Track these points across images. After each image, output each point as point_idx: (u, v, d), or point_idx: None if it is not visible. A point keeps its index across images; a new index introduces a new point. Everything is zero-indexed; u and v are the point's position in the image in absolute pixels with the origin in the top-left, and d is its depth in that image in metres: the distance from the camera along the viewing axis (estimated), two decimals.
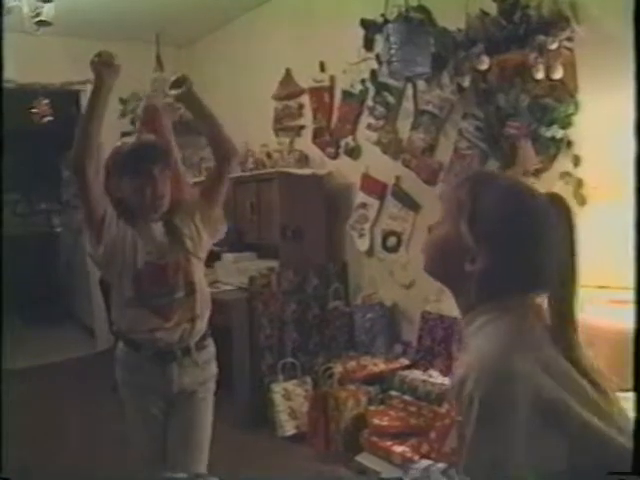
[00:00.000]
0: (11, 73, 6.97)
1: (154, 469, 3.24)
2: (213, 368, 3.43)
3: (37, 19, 5.35)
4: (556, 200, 1.70)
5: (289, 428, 5.25)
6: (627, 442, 1.52)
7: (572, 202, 3.94)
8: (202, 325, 3.28)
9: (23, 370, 7.13)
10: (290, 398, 5.31)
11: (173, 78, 3.21)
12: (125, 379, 3.28)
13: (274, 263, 5.80)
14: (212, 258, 6.51)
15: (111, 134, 6.43)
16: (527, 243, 1.63)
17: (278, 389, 5.34)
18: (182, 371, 3.22)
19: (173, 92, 3.19)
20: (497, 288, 1.65)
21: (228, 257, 6.27)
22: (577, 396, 1.52)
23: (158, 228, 3.15)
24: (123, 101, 7.34)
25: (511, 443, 1.47)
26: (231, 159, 3.26)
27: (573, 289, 1.67)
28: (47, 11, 5.35)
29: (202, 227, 3.24)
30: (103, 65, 2.87)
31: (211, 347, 3.41)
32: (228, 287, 6.02)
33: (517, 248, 1.63)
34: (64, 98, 6.76)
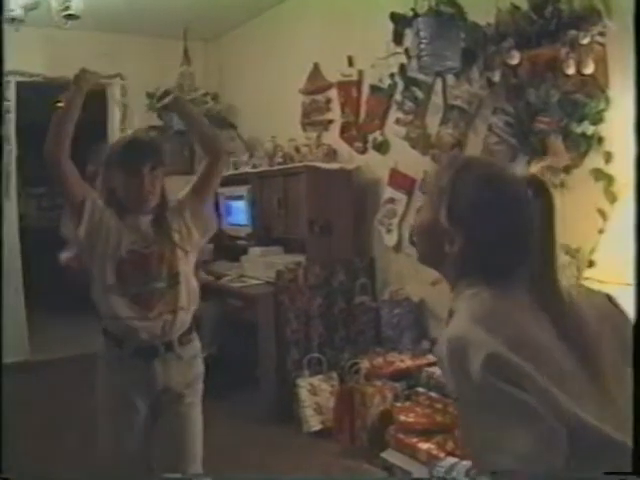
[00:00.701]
0: (39, 67, 7.04)
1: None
2: (200, 366, 3.41)
3: (66, 13, 5.37)
4: (534, 182, 1.78)
5: (315, 423, 5.23)
6: (614, 432, 1.51)
7: (603, 199, 3.92)
8: (186, 318, 3.28)
9: (43, 362, 7.17)
10: (316, 393, 5.30)
11: (159, 92, 3.43)
12: (106, 379, 3.26)
13: (301, 257, 5.79)
14: (238, 252, 6.53)
15: (138, 127, 6.49)
16: (501, 226, 1.71)
17: (304, 384, 5.33)
18: (166, 367, 3.20)
19: (162, 103, 3.39)
20: (474, 268, 1.74)
21: (255, 251, 6.28)
22: (558, 383, 1.54)
23: (146, 220, 3.20)
24: (150, 95, 7.35)
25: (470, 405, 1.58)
26: (219, 157, 3.36)
27: (553, 262, 1.74)
28: (76, 5, 5.37)
29: (192, 224, 3.29)
30: (85, 76, 3.27)
31: (196, 342, 3.39)
32: (254, 281, 6.02)
33: (491, 231, 1.71)
34: (90, 92, 6.75)
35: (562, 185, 4.08)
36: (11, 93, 7.12)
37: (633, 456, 1.50)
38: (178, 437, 3.25)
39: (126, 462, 3.19)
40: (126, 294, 3.12)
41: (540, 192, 1.74)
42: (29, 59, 7.02)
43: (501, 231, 1.71)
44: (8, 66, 6.83)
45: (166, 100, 3.35)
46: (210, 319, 6.27)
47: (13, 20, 5.54)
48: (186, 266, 3.30)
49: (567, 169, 4.14)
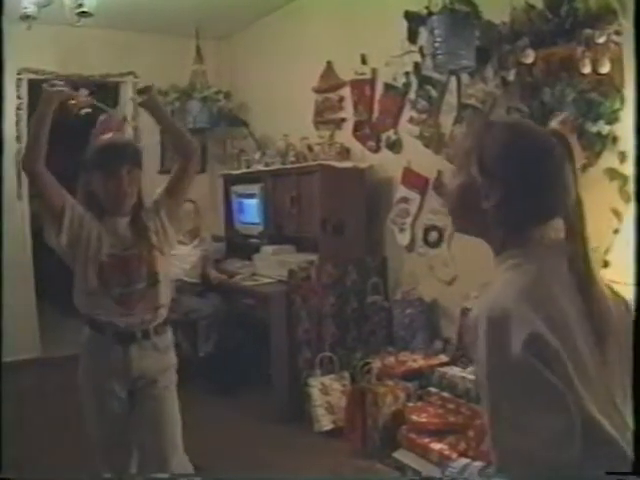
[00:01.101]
0: (51, 65, 7.04)
1: (116, 465, 3.38)
2: (172, 356, 3.53)
3: (79, 10, 5.38)
4: (556, 134, 1.77)
5: (326, 423, 5.22)
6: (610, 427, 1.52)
7: (617, 199, 3.90)
8: (164, 312, 3.43)
9: (53, 359, 7.18)
10: (327, 393, 5.29)
11: (139, 87, 3.57)
12: (87, 364, 3.37)
13: (313, 256, 5.78)
14: (251, 250, 6.52)
15: (150, 127, 6.48)
16: (531, 172, 1.70)
17: (315, 383, 5.32)
18: (142, 354, 3.32)
19: (140, 98, 3.42)
20: (514, 220, 1.73)
21: (267, 250, 6.27)
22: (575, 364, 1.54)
23: (124, 223, 3.34)
24: (162, 93, 7.35)
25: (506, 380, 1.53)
26: (191, 159, 3.45)
27: (581, 212, 1.73)
28: (89, 2, 5.37)
29: (168, 223, 3.43)
30: (53, 93, 3.23)
31: (169, 334, 3.52)
32: (266, 280, 6.02)
33: (522, 178, 1.71)
34: (103, 90, 6.74)
35: None
36: (23, 91, 7.13)
37: (634, 456, 1.51)
38: (154, 418, 3.38)
39: (107, 443, 3.35)
40: (108, 296, 3.26)
41: (563, 143, 1.74)
42: (41, 57, 7.03)
43: (533, 177, 1.70)
44: (20, 64, 6.88)
45: (145, 96, 3.40)
46: (206, 317, 6.29)
47: (26, 17, 5.54)
48: (164, 265, 3.44)
49: (582, 168, 4.11)
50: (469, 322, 1.66)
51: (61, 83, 3.30)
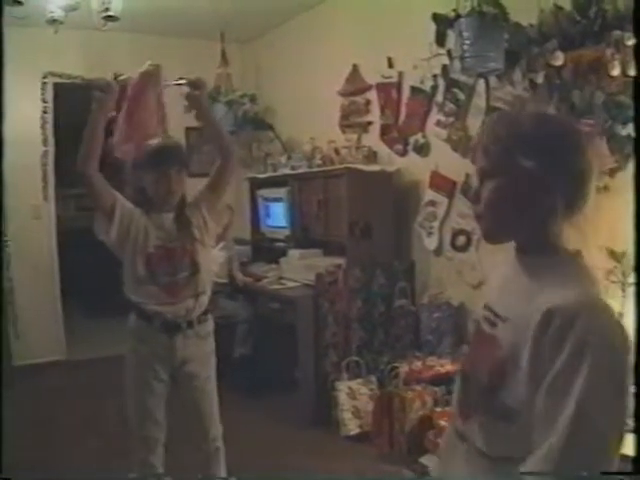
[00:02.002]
0: (77, 69, 7.07)
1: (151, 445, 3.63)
2: (212, 342, 3.82)
3: (105, 14, 5.40)
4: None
5: (353, 427, 5.21)
6: None
7: None
8: (205, 300, 3.71)
9: (83, 361, 7.22)
10: (355, 397, 5.28)
11: (192, 78, 3.62)
12: (134, 347, 3.65)
13: (340, 260, 5.76)
14: (277, 254, 6.51)
15: (177, 129, 6.48)
16: (571, 162, 1.59)
17: (343, 387, 5.31)
18: (186, 342, 3.62)
19: (189, 91, 3.62)
20: (550, 218, 1.60)
21: (294, 253, 6.26)
22: None
23: (169, 218, 3.63)
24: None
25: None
26: (230, 159, 3.70)
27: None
28: (115, 6, 5.40)
29: (208, 216, 3.70)
30: (106, 92, 3.44)
31: (210, 322, 3.81)
32: (293, 284, 6.01)
33: (566, 167, 1.59)
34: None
35: (606, 188, 4.00)
36: (49, 94, 7.17)
37: (633, 456, 1.52)
38: (195, 407, 3.70)
39: (148, 423, 3.62)
40: (155, 284, 3.56)
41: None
42: (67, 61, 7.06)
43: (574, 166, 1.59)
44: (46, 67, 6.92)
45: (197, 92, 3.60)
46: (244, 320, 6.29)
47: (53, 21, 5.57)
48: (204, 256, 3.71)
49: (611, 172, 4.07)
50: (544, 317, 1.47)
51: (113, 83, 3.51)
